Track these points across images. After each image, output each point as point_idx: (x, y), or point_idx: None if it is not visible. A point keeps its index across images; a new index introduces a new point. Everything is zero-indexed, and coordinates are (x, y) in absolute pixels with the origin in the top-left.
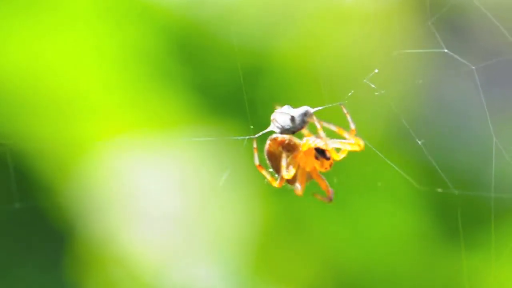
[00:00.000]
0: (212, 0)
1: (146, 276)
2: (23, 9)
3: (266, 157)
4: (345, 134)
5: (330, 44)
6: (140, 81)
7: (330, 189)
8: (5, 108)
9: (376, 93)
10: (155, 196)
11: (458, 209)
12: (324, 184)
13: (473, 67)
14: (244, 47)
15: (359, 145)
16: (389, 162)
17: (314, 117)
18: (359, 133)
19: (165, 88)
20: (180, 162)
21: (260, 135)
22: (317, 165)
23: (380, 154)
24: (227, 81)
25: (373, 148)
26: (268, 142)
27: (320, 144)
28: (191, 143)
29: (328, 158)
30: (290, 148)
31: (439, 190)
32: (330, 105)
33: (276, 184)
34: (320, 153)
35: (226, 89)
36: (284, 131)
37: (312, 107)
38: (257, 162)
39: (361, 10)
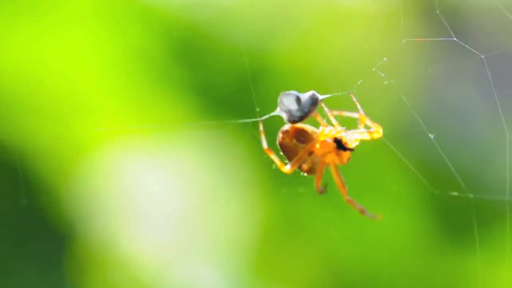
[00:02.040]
0: (212, 1)
1: (146, 277)
2: (24, 10)
3: (280, 149)
4: (367, 121)
5: (334, 41)
6: (140, 83)
7: (346, 187)
8: (5, 108)
9: (385, 82)
10: (156, 197)
11: (459, 209)
12: (340, 180)
13: (482, 56)
14: (246, 48)
15: (378, 132)
16: (405, 160)
17: (324, 104)
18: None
19: (165, 89)
20: (180, 163)
21: (266, 118)
22: (336, 158)
23: (394, 149)
24: (228, 82)
25: (390, 145)
26: (280, 135)
27: (340, 134)
28: (190, 144)
29: (348, 149)
30: (304, 139)
31: (455, 193)
32: (339, 93)
33: (285, 169)
34: (339, 144)
35: (226, 91)
36: (291, 117)
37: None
38: (265, 145)
39: (367, 5)
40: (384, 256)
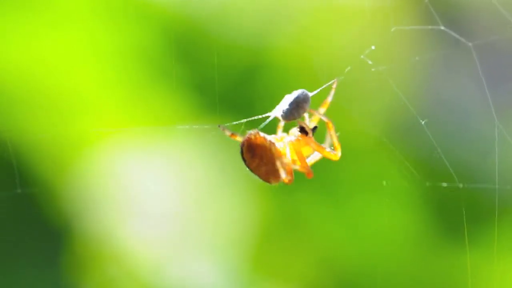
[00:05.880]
0: None
1: (143, 274)
2: (21, 7)
3: (247, 152)
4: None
5: (329, 36)
6: (137, 79)
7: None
8: (3, 105)
9: (372, 69)
10: (153, 193)
11: (456, 204)
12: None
13: (470, 44)
14: (242, 44)
15: (336, 156)
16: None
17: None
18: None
19: (161, 86)
20: (177, 159)
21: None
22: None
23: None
24: (224, 78)
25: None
26: (251, 135)
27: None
28: (187, 140)
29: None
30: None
31: (444, 184)
32: (326, 85)
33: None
34: (302, 131)
35: (223, 87)
36: (287, 115)
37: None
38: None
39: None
40: (380, 252)
